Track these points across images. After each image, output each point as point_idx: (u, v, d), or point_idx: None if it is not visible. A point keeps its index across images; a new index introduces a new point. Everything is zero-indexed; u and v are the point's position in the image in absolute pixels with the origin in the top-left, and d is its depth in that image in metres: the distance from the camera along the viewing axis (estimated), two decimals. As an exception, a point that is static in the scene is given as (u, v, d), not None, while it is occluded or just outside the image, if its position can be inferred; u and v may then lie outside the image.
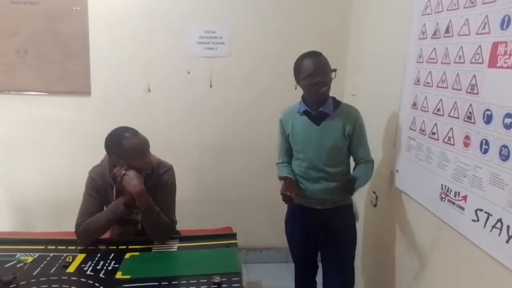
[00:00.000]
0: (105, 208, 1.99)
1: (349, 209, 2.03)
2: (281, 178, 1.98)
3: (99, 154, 1.99)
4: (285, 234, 2.23)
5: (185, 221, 2.26)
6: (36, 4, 2.66)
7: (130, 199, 1.90)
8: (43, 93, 2.77)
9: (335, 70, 1.95)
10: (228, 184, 3.03)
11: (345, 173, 2.03)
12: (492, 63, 1.36)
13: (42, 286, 1.60)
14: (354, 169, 2.06)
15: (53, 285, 1.61)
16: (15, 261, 1.78)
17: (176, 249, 1.94)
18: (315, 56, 1.94)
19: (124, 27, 2.73)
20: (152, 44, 2.77)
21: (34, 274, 1.68)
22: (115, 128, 1.95)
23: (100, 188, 1.99)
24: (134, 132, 1.93)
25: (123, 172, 1.89)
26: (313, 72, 1.90)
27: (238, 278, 1.69)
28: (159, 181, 2.02)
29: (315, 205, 2.04)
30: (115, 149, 1.91)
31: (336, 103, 2.00)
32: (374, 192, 2.36)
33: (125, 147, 1.88)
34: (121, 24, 2.72)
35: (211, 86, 2.87)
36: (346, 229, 2.08)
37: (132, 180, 1.88)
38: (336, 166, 1.99)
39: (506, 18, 1.30)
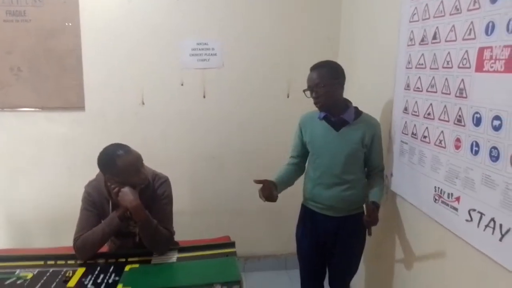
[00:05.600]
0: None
1: (360, 218, 1.94)
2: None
3: (95, 169, 1.99)
4: (295, 237, 2.24)
5: (182, 232, 2.26)
6: (28, 21, 2.68)
7: (125, 212, 1.91)
8: (38, 109, 2.77)
9: (338, 79, 1.96)
10: (225, 194, 3.05)
11: (360, 180, 2.04)
12: (479, 67, 1.41)
13: (43, 302, 1.61)
14: (368, 179, 2.08)
15: (54, 300, 1.62)
16: (15, 278, 1.78)
17: (175, 260, 1.95)
18: (314, 69, 1.96)
19: (116, 41, 2.75)
20: (145, 57, 2.79)
21: (35, 290, 1.69)
22: (106, 146, 1.94)
23: (97, 202, 2.00)
24: (126, 150, 1.91)
25: (117, 189, 1.90)
26: (308, 88, 1.97)
27: (238, 286, 1.70)
28: (155, 194, 2.03)
29: (326, 212, 2.05)
30: (109, 168, 1.90)
31: (358, 113, 2.01)
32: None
33: (119, 165, 1.87)
34: (113, 38, 2.74)
35: (204, 97, 2.90)
36: (355, 238, 2.08)
37: (127, 195, 1.88)
38: (351, 174, 1.99)
39: (491, 24, 1.35)
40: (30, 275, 1.80)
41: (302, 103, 2.23)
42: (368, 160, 2.04)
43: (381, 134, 2.03)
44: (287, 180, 2.11)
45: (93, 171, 2.04)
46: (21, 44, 2.69)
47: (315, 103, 1.97)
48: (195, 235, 2.36)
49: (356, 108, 2.03)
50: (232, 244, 2.11)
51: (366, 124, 1.98)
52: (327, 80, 1.91)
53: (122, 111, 2.84)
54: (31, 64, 2.72)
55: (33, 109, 2.77)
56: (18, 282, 1.75)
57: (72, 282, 1.75)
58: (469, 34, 1.46)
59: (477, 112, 1.42)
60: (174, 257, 1.98)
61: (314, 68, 1.97)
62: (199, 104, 2.90)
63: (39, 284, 1.73)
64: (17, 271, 1.83)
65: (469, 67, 1.46)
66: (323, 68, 1.94)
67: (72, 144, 2.84)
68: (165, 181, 2.09)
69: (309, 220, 2.15)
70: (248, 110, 2.96)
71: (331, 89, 1.92)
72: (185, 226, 2.37)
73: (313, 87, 1.94)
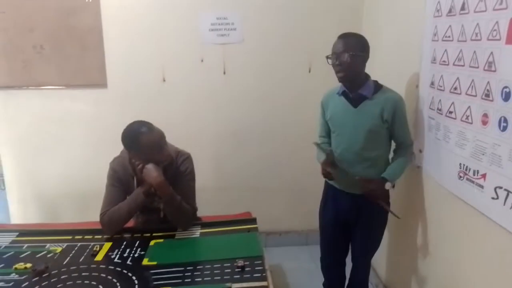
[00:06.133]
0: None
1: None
2: (325, 151, 1.96)
3: (119, 145, 2.02)
4: (318, 214, 2.25)
5: (205, 208, 2.30)
6: (48, -2, 2.69)
7: (150, 188, 1.94)
8: (62, 87, 2.81)
9: (363, 52, 1.91)
10: (246, 171, 3.06)
11: (383, 157, 2.01)
12: (510, 39, 1.34)
13: (73, 275, 1.67)
14: (394, 153, 2.05)
15: (83, 273, 1.68)
16: (46, 252, 1.86)
17: (198, 235, 1.99)
18: (341, 37, 1.92)
19: (136, 18, 2.74)
20: (165, 34, 2.78)
21: (64, 263, 1.76)
22: (129, 123, 1.96)
23: (122, 178, 2.04)
24: (149, 127, 1.93)
25: (141, 165, 1.93)
26: (332, 54, 1.92)
27: (260, 261, 1.73)
28: (178, 170, 2.06)
29: (347, 189, 2.04)
30: (133, 145, 1.93)
31: (378, 87, 1.96)
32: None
33: (142, 143, 1.90)
34: (133, 15, 2.73)
35: (224, 73, 2.88)
36: (376, 216, 2.06)
37: (151, 172, 1.91)
38: (373, 150, 1.96)
39: (524, -8, 1.28)
40: (59, 249, 1.87)
41: (323, 77, 2.21)
42: (393, 136, 1.99)
43: (404, 108, 1.96)
44: None
45: (117, 148, 2.07)
46: (43, 22, 2.70)
47: (337, 72, 1.92)
48: (217, 211, 2.40)
49: (375, 82, 1.98)
50: (253, 220, 2.13)
51: (385, 98, 1.92)
52: (353, 50, 1.87)
53: (143, 88, 2.86)
54: (53, 42, 2.74)
55: (56, 87, 2.81)
56: (49, 255, 1.82)
57: (100, 256, 1.81)
58: (501, 3, 1.39)
59: (506, 87, 1.37)
60: (197, 232, 2.02)
61: (343, 36, 1.92)
62: (220, 81, 2.89)
63: (69, 258, 1.80)
64: (47, 245, 1.91)
65: (499, 39, 1.39)
66: (352, 38, 1.91)
67: (95, 121, 2.89)
68: (187, 158, 2.11)
69: (331, 197, 2.15)
70: (269, 86, 2.94)
71: (355, 60, 1.88)
72: (207, 203, 2.41)
73: (338, 54, 1.89)
